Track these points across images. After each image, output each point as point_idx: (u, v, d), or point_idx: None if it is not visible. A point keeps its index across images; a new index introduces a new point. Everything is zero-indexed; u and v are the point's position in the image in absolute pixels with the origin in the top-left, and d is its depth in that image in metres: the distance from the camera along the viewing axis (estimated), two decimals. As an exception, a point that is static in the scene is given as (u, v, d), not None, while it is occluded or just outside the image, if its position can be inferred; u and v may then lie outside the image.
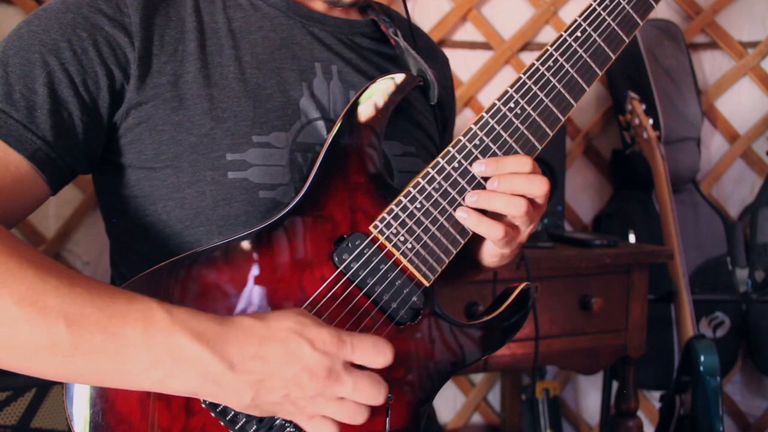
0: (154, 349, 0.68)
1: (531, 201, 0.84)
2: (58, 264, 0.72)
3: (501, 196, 0.84)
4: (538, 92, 0.87)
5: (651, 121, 2.19)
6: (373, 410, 0.81)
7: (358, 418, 0.73)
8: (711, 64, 2.60)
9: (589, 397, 2.57)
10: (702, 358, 1.92)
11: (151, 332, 0.68)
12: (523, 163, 0.84)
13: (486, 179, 0.85)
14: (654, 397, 2.55)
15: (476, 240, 0.90)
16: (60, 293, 0.68)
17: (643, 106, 2.21)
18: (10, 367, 0.70)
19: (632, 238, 2.10)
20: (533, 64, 0.88)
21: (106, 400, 0.75)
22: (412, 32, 1.08)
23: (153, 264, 0.78)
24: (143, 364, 0.68)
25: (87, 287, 0.69)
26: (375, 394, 0.72)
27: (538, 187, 0.84)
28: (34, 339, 0.67)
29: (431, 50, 1.12)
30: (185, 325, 0.68)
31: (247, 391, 0.70)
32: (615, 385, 2.12)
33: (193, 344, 0.68)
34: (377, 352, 0.73)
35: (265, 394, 0.70)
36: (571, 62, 0.88)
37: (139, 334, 0.68)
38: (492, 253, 0.91)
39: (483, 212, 0.85)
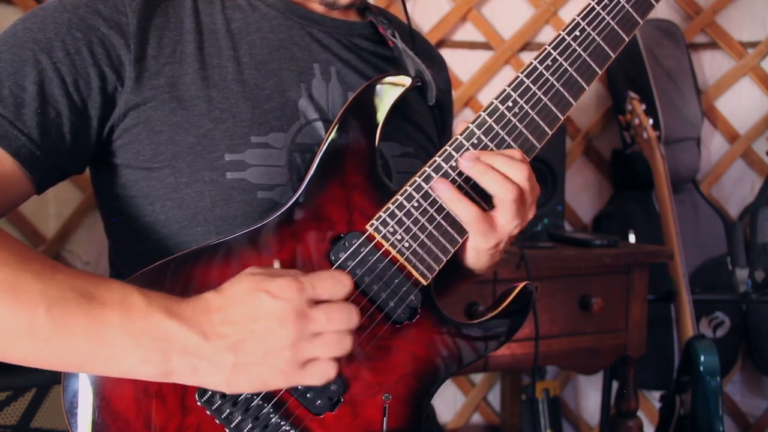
0: (133, 330, 0.69)
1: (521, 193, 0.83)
2: (40, 254, 0.73)
3: (494, 174, 0.83)
4: (537, 91, 0.87)
5: (651, 121, 2.19)
6: (373, 409, 0.82)
7: (345, 345, 0.73)
8: (711, 64, 2.60)
9: (589, 397, 2.56)
10: (702, 358, 1.92)
11: (131, 314, 0.69)
12: (512, 154, 0.84)
13: None
14: (654, 397, 2.54)
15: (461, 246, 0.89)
16: (41, 278, 0.69)
17: (643, 106, 2.21)
18: None
19: (632, 238, 2.10)
20: (532, 63, 0.87)
21: (102, 398, 0.75)
22: (412, 34, 1.07)
23: (151, 264, 0.78)
24: (123, 347, 0.69)
25: (68, 273, 0.71)
26: (349, 316, 0.73)
27: (518, 171, 0.83)
28: (14, 323, 0.68)
29: (429, 53, 1.12)
30: (161, 305, 0.70)
31: (225, 356, 0.70)
32: (615, 385, 2.12)
33: (168, 321, 0.70)
34: (337, 283, 0.74)
35: (245, 355, 0.70)
36: (570, 61, 0.88)
37: (118, 317, 0.69)
38: (479, 249, 0.87)
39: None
